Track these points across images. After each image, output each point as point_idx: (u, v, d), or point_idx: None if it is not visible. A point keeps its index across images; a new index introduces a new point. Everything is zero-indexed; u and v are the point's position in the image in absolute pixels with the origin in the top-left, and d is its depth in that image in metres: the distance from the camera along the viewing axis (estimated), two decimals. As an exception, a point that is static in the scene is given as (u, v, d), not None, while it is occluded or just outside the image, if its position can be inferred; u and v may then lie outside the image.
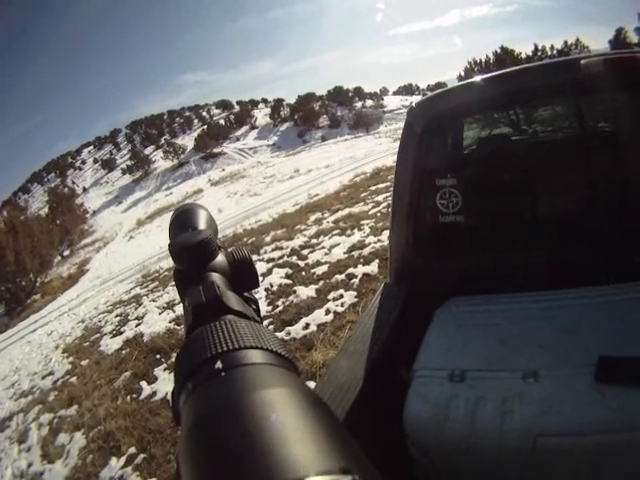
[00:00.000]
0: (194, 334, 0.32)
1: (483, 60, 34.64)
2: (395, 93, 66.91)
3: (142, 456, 2.90)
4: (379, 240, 5.12)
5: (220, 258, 0.46)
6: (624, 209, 1.39)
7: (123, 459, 2.95)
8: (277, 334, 3.70)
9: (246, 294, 0.45)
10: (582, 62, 1.31)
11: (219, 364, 0.27)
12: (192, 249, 0.44)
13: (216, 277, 0.43)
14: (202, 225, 0.52)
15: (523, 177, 1.58)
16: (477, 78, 1.57)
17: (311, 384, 2.52)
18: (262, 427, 0.22)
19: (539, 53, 33.42)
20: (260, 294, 4.66)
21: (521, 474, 0.92)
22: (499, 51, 33.80)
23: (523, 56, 32.97)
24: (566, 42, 35.10)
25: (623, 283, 1.20)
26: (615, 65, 1.31)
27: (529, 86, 1.46)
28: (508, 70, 1.56)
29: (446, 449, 0.98)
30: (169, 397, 0.31)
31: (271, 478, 0.19)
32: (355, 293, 4.06)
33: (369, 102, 52.42)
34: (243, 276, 0.46)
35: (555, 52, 33.74)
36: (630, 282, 1.19)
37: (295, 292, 4.55)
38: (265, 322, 3.99)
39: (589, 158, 1.48)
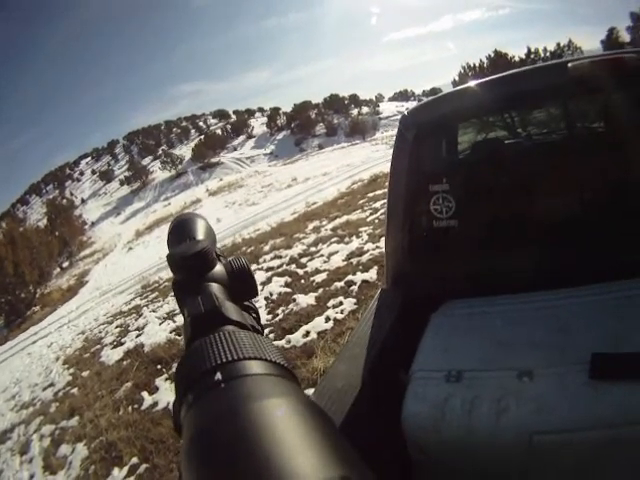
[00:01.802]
0: (193, 346, 0.32)
1: (477, 64, 34.89)
2: (391, 99, 67.33)
3: (144, 466, 2.89)
4: (377, 247, 5.13)
5: (218, 268, 0.45)
6: (617, 209, 1.39)
7: (125, 469, 2.95)
8: (278, 342, 3.72)
9: (246, 303, 0.46)
10: (569, 65, 1.32)
11: (218, 376, 0.28)
12: (190, 259, 0.44)
13: (215, 287, 0.42)
14: (200, 235, 0.51)
15: (516, 180, 1.59)
16: (467, 84, 1.58)
17: (312, 391, 2.53)
18: (262, 437, 0.22)
19: (532, 55, 33.63)
20: (260, 303, 4.66)
21: (518, 471, 0.93)
22: (492, 55, 34.04)
23: (517, 59, 33.18)
24: (559, 44, 35.41)
25: (616, 281, 1.21)
26: (602, 67, 1.32)
27: (518, 90, 1.47)
28: (497, 76, 1.56)
29: (444, 448, 0.99)
30: (170, 407, 0.34)
31: None
32: (354, 300, 4.07)
33: (365, 109, 52.72)
34: (242, 285, 0.46)
35: (548, 54, 33.96)
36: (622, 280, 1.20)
37: (295, 300, 4.56)
38: (266, 331, 3.99)
39: (581, 160, 1.48)
